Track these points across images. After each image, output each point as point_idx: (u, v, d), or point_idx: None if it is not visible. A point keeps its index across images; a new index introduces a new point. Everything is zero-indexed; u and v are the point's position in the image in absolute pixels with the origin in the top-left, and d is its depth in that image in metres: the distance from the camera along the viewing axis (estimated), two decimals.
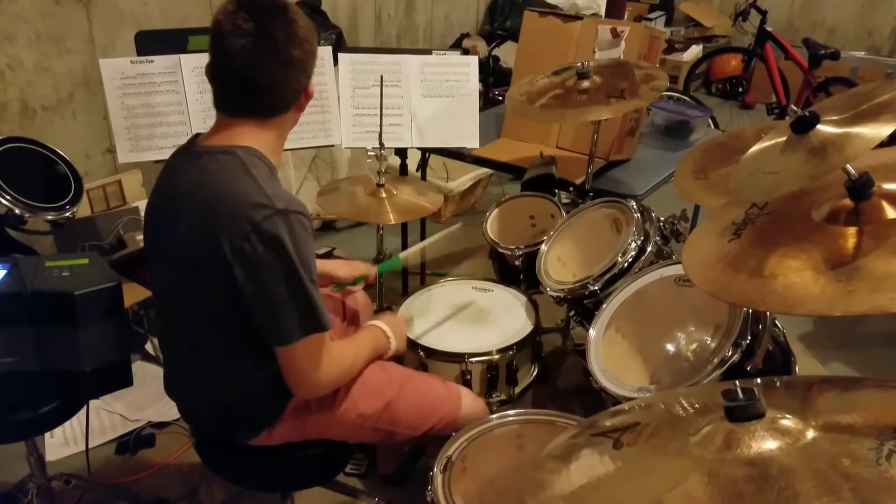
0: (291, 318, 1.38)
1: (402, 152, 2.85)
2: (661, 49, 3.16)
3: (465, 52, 5.10)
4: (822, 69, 5.24)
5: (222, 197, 1.37)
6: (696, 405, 1.09)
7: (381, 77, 2.39)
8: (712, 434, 0.96)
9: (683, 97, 4.26)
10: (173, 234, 1.45)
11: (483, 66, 5.19)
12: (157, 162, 2.42)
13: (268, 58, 1.39)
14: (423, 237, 3.18)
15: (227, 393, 1.54)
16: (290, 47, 1.40)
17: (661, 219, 2.12)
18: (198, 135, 1.52)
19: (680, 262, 1.53)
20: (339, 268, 1.99)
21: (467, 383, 1.93)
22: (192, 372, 1.58)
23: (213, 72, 1.44)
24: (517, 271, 2.39)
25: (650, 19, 6.63)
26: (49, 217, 2.16)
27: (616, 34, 2.83)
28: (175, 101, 2.33)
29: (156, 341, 2.80)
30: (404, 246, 3.02)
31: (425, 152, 3.28)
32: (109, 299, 1.68)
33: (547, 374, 2.62)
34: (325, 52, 2.45)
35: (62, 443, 2.41)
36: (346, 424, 1.65)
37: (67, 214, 2.20)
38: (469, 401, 1.80)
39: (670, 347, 1.68)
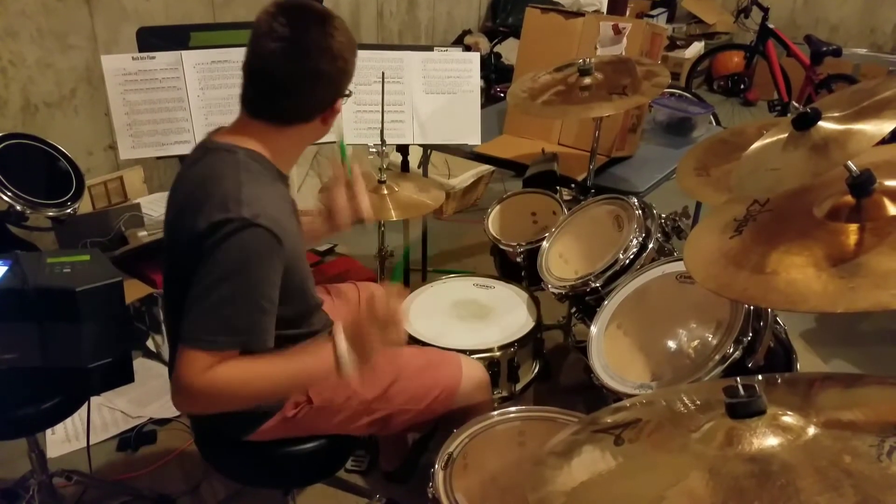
0: (192, 321, 1.34)
1: (403, 149, 2.85)
2: (663, 46, 3.15)
3: (467, 48, 5.09)
4: (824, 66, 5.24)
5: (204, 192, 1.39)
6: (698, 402, 1.09)
7: (383, 74, 2.39)
8: (714, 431, 0.96)
9: (685, 94, 4.25)
10: (172, 227, 1.51)
11: (485, 62, 5.19)
12: (158, 158, 2.42)
13: (296, 65, 1.39)
14: (424, 234, 3.18)
15: None
16: (321, 59, 1.40)
17: (663, 215, 2.11)
18: (215, 130, 1.54)
19: (682, 259, 1.53)
20: (325, 219, 1.87)
21: None
22: None
23: (245, 67, 1.45)
24: (519, 268, 2.39)
25: (652, 16, 6.63)
26: (50, 213, 2.16)
27: (618, 31, 2.83)
28: (176, 97, 2.33)
29: (157, 338, 2.80)
30: (406, 242, 3.02)
31: (427, 149, 3.28)
32: (111, 296, 1.68)
33: (548, 370, 2.62)
34: None
35: (63, 439, 2.42)
36: (349, 413, 1.65)
37: (69, 211, 2.19)
38: (468, 368, 1.80)
39: (672, 344, 1.68)
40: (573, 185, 2.67)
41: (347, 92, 1.52)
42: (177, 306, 1.44)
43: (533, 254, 2.30)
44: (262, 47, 1.38)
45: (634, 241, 1.98)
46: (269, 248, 1.37)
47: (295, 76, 1.40)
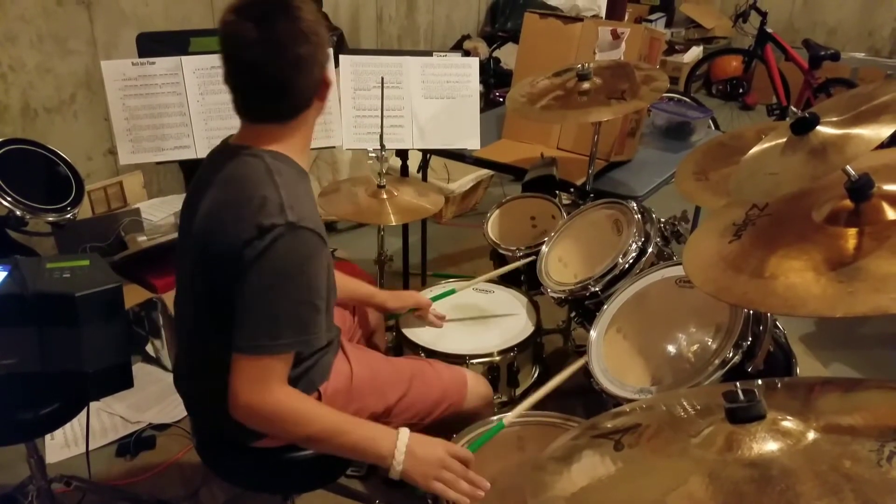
0: (249, 328, 1.37)
1: (403, 153, 2.85)
2: (662, 50, 3.16)
3: (466, 53, 5.10)
4: (822, 70, 5.25)
5: (241, 197, 1.39)
6: (698, 406, 1.09)
7: (382, 79, 2.39)
8: (713, 435, 0.96)
9: (684, 98, 4.26)
10: (192, 226, 1.47)
11: (484, 67, 5.19)
12: (158, 164, 2.43)
13: (278, 63, 1.38)
14: (423, 239, 3.18)
15: None
16: (297, 46, 1.38)
17: (662, 220, 2.12)
18: (231, 136, 1.53)
19: (681, 263, 1.53)
20: (391, 300, 2.01)
21: None
22: (202, 367, 1.57)
23: (227, 78, 1.44)
24: (518, 272, 2.39)
25: (650, 21, 6.64)
26: (50, 218, 2.16)
27: (616, 35, 2.84)
28: (176, 102, 2.33)
29: (156, 343, 2.80)
30: (405, 248, 3.02)
31: (426, 153, 3.29)
32: (110, 301, 1.68)
33: (548, 375, 2.61)
34: None
35: (62, 444, 2.41)
36: None
37: (68, 216, 2.19)
38: (473, 381, 1.81)
39: (671, 349, 1.68)
40: (572, 190, 2.67)
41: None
42: (201, 310, 1.47)
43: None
44: (239, 58, 1.38)
45: (634, 246, 1.98)
46: (317, 249, 1.40)
47: (281, 73, 1.39)
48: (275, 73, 1.39)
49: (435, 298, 2.14)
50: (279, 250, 1.34)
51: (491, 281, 2.34)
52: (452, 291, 2.21)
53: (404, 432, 1.47)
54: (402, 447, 1.43)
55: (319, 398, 1.59)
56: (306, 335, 1.41)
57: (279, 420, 1.41)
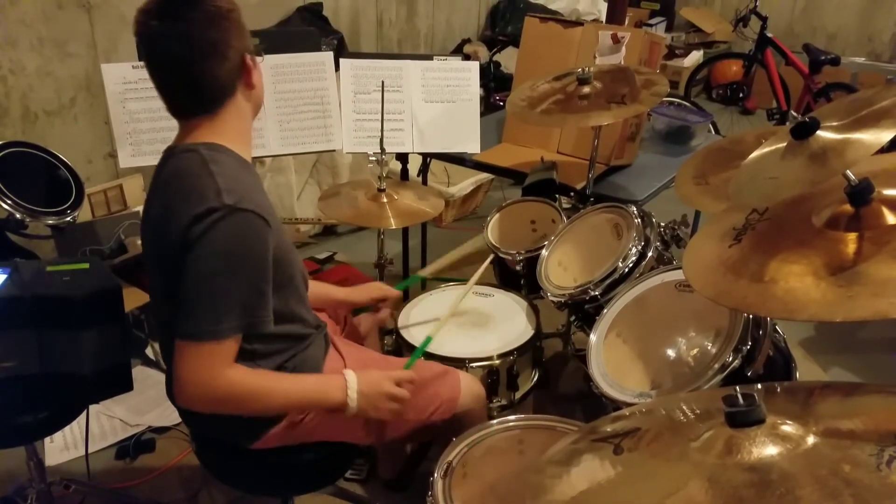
0: (189, 314, 1.35)
1: (403, 157, 2.85)
2: (662, 55, 3.16)
3: (467, 57, 5.11)
4: (822, 75, 5.26)
5: (177, 192, 1.40)
6: (697, 410, 1.09)
7: (383, 82, 2.39)
8: (713, 439, 0.96)
9: (684, 103, 4.27)
10: (146, 232, 1.51)
11: (484, 71, 5.20)
12: None
13: (188, 54, 1.37)
14: (423, 242, 3.18)
15: None
16: (206, 33, 1.37)
17: (662, 224, 2.12)
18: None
19: (680, 268, 1.53)
20: (354, 293, 2.01)
21: None
22: None
23: (152, 81, 1.44)
24: (518, 276, 2.39)
25: (651, 25, 6.65)
26: (50, 221, 2.16)
27: (617, 40, 2.84)
28: None
29: (156, 346, 2.80)
30: (405, 251, 3.03)
31: (426, 157, 3.29)
32: (110, 304, 1.68)
33: (548, 379, 2.62)
34: (326, 58, 2.46)
35: (62, 447, 2.41)
36: (352, 422, 1.64)
37: (68, 219, 2.20)
38: (467, 381, 1.83)
39: (671, 353, 1.68)
40: (572, 194, 2.67)
41: (254, 49, 1.48)
42: (165, 315, 1.46)
43: (532, 262, 2.30)
44: (152, 56, 1.38)
45: (633, 250, 1.98)
46: (259, 230, 1.38)
47: (193, 63, 1.38)
48: (187, 63, 1.38)
49: (400, 287, 2.13)
50: (218, 233, 1.33)
51: (490, 284, 2.34)
52: (417, 279, 2.20)
53: (351, 376, 1.55)
54: (354, 393, 1.53)
55: None
56: (251, 318, 1.40)
57: (233, 400, 1.42)
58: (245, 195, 1.38)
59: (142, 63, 1.33)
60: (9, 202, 2.04)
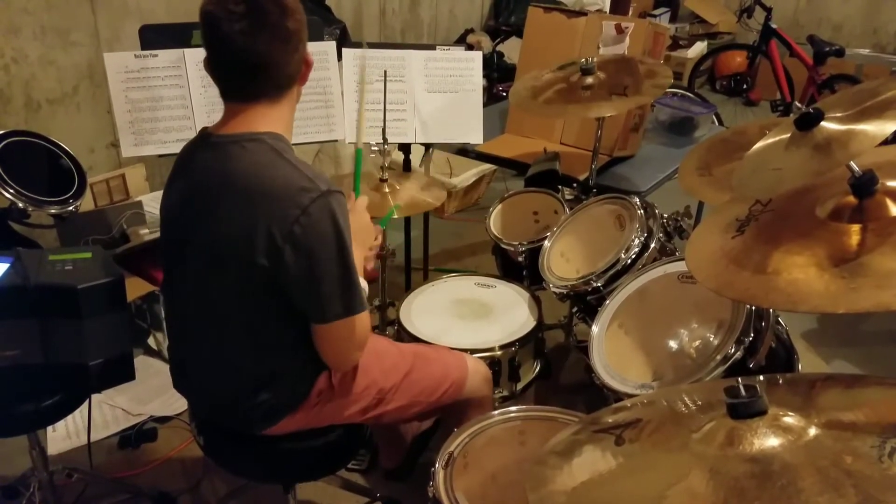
0: (336, 296, 1.43)
1: (405, 147, 2.85)
2: (666, 45, 3.15)
3: (470, 47, 5.09)
4: (826, 66, 5.23)
5: (264, 184, 1.39)
6: (699, 402, 1.09)
7: (385, 72, 2.39)
8: (715, 431, 0.96)
9: (688, 94, 4.24)
10: (207, 228, 1.45)
11: (487, 61, 5.18)
12: (160, 156, 2.42)
13: (267, 36, 1.38)
14: (426, 233, 3.18)
15: (255, 382, 1.54)
16: (284, 20, 1.39)
17: (665, 215, 2.11)
18: (206, 128, 1.51)
19: (683, 259, 1.53)
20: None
21: None
22: (217, 364, 1.56)
23: (213, 63, 1.44)
24: (520, 267, 2.39)
25: (655, 15, 6.62)
26: (52, 211, 2.16)
27: (620, 30, 2.83)
28: (179, 95, 2.33)
29: (158, 336, 2.80)
30: (407, 242, 3.02)
31: (429, 147, 3.28)
32: (112, 293, 1.68)
33: (549, 370, 2.62)
34: (329, 47, 2.45)
35: (64, 436, 2.42)
36: (365, 404, 1.67)
37: (71, 208, 2.19)
38: (473, 363, 1.86)
39: (673, 344, 1.68)
40: (575, 185, 2.67)
41: None
42: (216, 307, 1.49)
43: (534, 253, 2.30)
44: (227, 32, 1.37)
45: (636, 241, 1.98)
46: (346, 204, 1.46)
47: (270, 46, 1.40)
48: (265, 46, 1.39)
49: (382, 223, 2.10)
50: (327, 216, 1.39)
51: (492, 275, 2.35)
52: (393, 211, 2.19)
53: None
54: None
55: (330, 377, 1.60)
56: (360, 290, 1.49)
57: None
58: (326, 178, 1.43)
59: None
60: (11, 191, 2.04)
